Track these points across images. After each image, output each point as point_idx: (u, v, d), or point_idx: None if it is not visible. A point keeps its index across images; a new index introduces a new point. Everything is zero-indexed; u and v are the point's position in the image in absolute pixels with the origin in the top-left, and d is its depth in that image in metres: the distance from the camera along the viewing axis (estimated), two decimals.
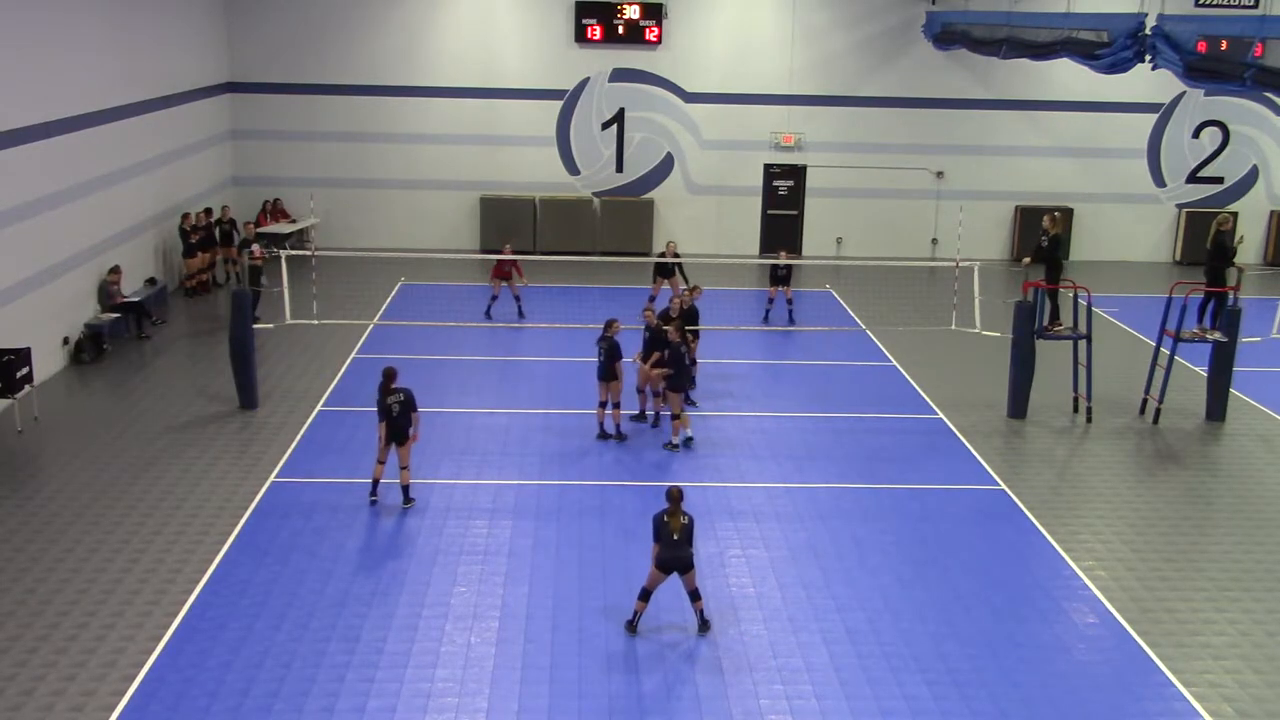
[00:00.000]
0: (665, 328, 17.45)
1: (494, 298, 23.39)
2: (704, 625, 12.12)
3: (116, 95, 22.26)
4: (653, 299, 22.38)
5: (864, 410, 18.97)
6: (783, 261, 23.53)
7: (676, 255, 22.71)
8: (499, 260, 23.33)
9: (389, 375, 14.73)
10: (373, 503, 14.84)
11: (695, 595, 12.10)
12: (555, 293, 25.19)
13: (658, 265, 23.19)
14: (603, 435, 17.32)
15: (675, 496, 11.97)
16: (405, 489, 14.86)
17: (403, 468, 14.80)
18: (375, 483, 14.91)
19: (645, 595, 12.05)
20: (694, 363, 19.08)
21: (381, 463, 14.81)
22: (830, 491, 15.75)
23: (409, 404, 14.65)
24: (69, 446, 16.60)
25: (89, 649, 11.52)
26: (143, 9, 23.60)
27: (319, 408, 18.38)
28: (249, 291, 19.13)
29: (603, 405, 17.36)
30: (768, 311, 23.82)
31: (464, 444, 17.08)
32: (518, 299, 23.35)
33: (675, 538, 11.80)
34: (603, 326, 17.43)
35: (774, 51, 29.35)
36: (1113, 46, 19.24)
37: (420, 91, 29.08)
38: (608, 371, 17.18)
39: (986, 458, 17.04)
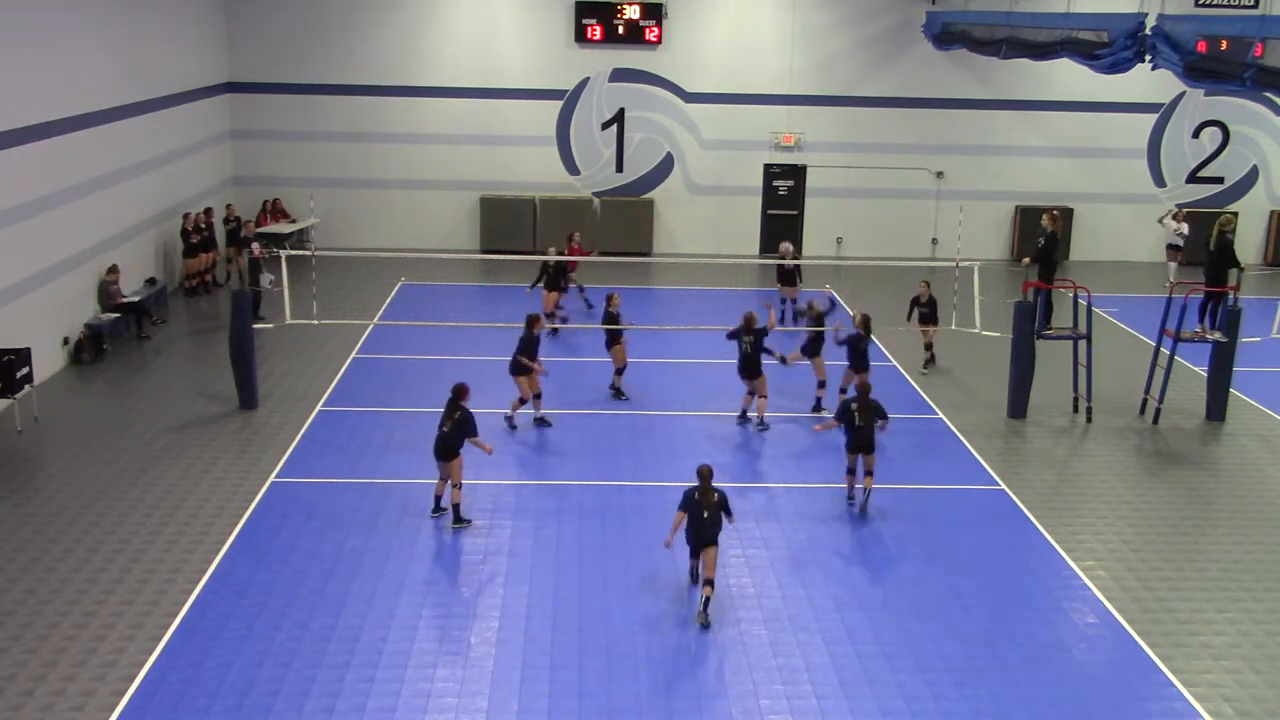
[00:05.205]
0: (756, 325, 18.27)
1: (580, 289, 23.79)
2: (704, 616, 12.16)
3: (116, 95, 22.26)
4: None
5: None
6: (789, 261, 23.37)
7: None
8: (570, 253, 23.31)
9: (458, 392, 14.38)
10: (435, 517, 14.49)
11: (709, 582, 12.22)
12: None
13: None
14: (743, 419, 18.11)
15: (705, 474, 12.33)
16: (455, 508, 14.35)
17: (455, 486, 14.35)
18: (438, 498, 14.61)
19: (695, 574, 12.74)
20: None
21: (443, 479, 14.44)
22: (830, 491, 15.73)
23: (463, 425, 14.24)
24: (69, 446, 16.60)
25: (89, 649, 11.53)
26: (143, 9, 23.60)
27: (319, 408, 18.37)
28: (249, 291, 19.12)
29: (751, 394, 18.03)
30: (783, 312, 23.18)
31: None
32: (581, 289, 23.75)
33: (705, 515, 12.18)
34: (745, 321, 17.73)
35: (774, 51, 29.33)
36: (1113, 46, 19.21)
37: (420, 91, 29.06)
38: (754, 368, 17.75)
39: (986, 458, 17.04)
